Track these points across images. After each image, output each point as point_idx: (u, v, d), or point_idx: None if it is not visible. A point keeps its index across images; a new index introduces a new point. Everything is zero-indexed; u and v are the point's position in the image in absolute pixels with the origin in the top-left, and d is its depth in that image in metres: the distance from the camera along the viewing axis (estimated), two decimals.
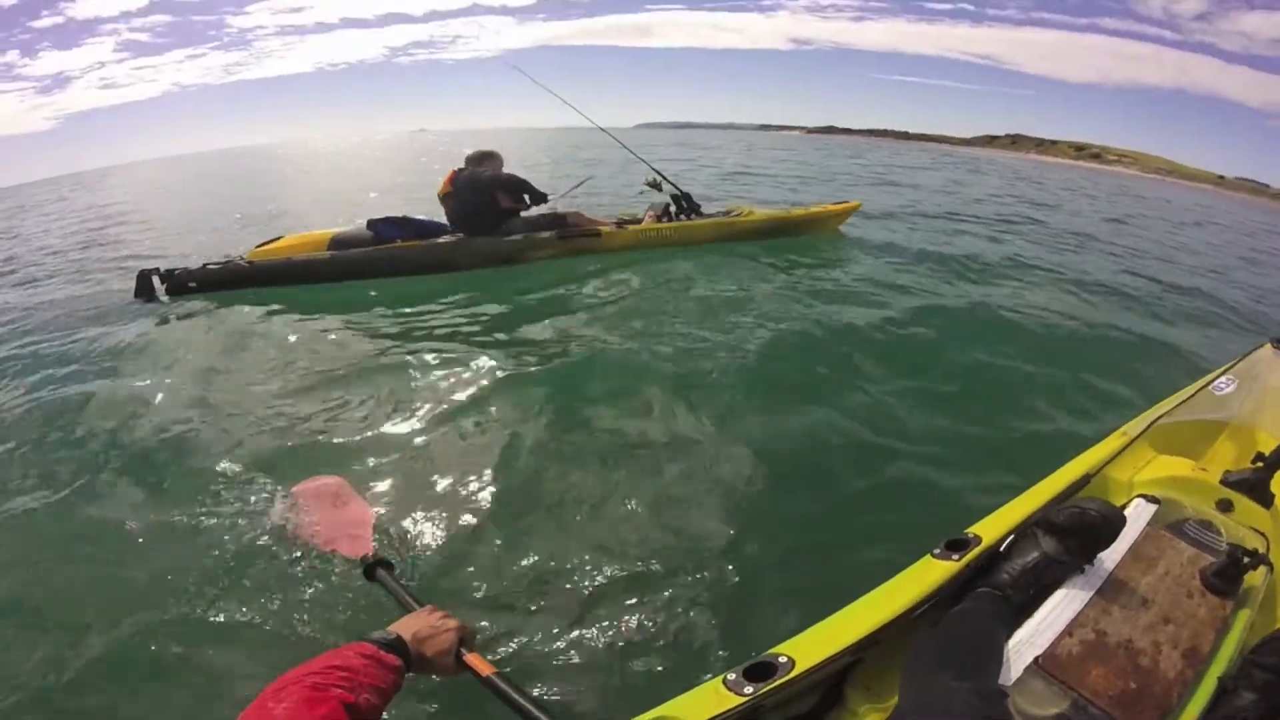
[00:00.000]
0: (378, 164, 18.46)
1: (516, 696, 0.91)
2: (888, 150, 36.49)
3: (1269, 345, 2.25)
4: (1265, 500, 1.42)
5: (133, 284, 3.85)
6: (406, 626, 0.92)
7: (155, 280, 3.85)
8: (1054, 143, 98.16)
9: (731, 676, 0.89)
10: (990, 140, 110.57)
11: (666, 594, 1.52)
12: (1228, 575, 1.13)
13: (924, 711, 0.86)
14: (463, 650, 0.96)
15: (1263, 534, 1.31)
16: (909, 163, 21.65)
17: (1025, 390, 2.74)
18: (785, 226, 5.47)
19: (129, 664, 1.37)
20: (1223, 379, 1.99)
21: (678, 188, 5.02)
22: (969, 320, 3.68)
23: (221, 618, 1.46)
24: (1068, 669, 0.98)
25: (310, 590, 1.53)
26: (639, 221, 4.82)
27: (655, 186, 4.94)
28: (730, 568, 1.61)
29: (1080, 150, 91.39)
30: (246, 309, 3.55)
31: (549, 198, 4.40)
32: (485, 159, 4.22)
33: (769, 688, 0.87)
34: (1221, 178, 74.66)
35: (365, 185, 11.43)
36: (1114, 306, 4.33)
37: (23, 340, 3.38)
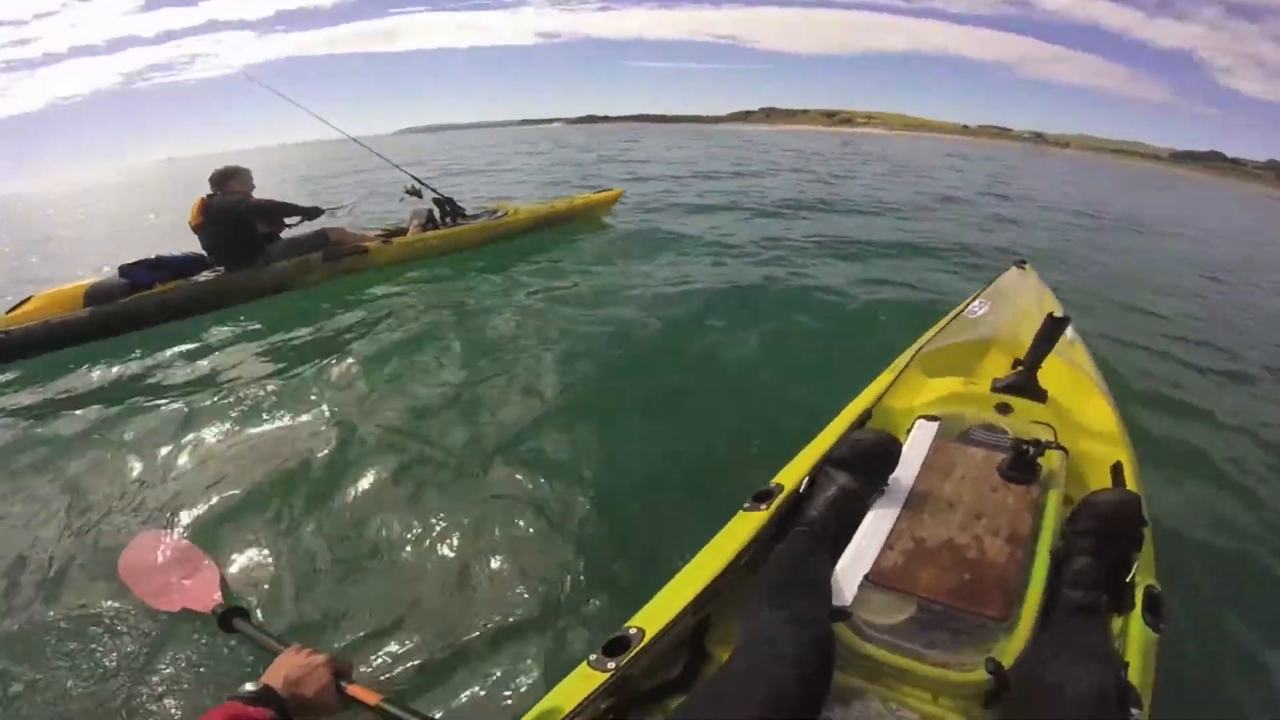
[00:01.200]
0: (126, 201, 16.12)
1: (411, 718, 0.92)
2: (645, 133, 37.28)
3: (1014, 267, 2.44)
4: (1039, 396, 1.56)
5: None
6: (275, 673, 0.91)
7: None
8: (805, 112, 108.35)
9: (594, 657, 0.93)
10: (746, 115, 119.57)
11: (520, 595, 1.57)
12: (1022, 465, 1.23)
13: (750, 647, 0.91)
14: (341, 683, 0.94)
15: (1048, 424, 1.42)
16: (673, 143, 22.74)
17: (804, 349, 3.01)
18: (552, 220, 5.72)
19: None
20: (975, 303, 2.12)
21: (438, 193, 5.04)
22: (750, 298, 3.91)
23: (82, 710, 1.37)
24: (898, 577, 1.05)
25: (167, 660, 1.45)
26: (405, 232, 4.84)
27: (415, 194, 4.92)
28: (570, 561, 1.67)
29: (830, 116, 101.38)
30: (17, 390, 3.15)
31: (322, 210, 4.28)
32: (229, 177, 3.97)
33: (628, 658, 0.92)
34: (966, 126, 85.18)
35: (117, 228, 10.07)
36: (876, 259, 4.95)
37: None
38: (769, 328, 3.28)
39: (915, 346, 1.88)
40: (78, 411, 2.80)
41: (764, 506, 1.21)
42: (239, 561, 1.76)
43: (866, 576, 1.05)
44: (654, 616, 0.99)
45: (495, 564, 1.69)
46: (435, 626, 1.50)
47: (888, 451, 1.25)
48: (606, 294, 4.03)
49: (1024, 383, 1.57)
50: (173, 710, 1.36)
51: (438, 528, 1.84)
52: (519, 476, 2.04)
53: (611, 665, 0.91)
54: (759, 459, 1.91)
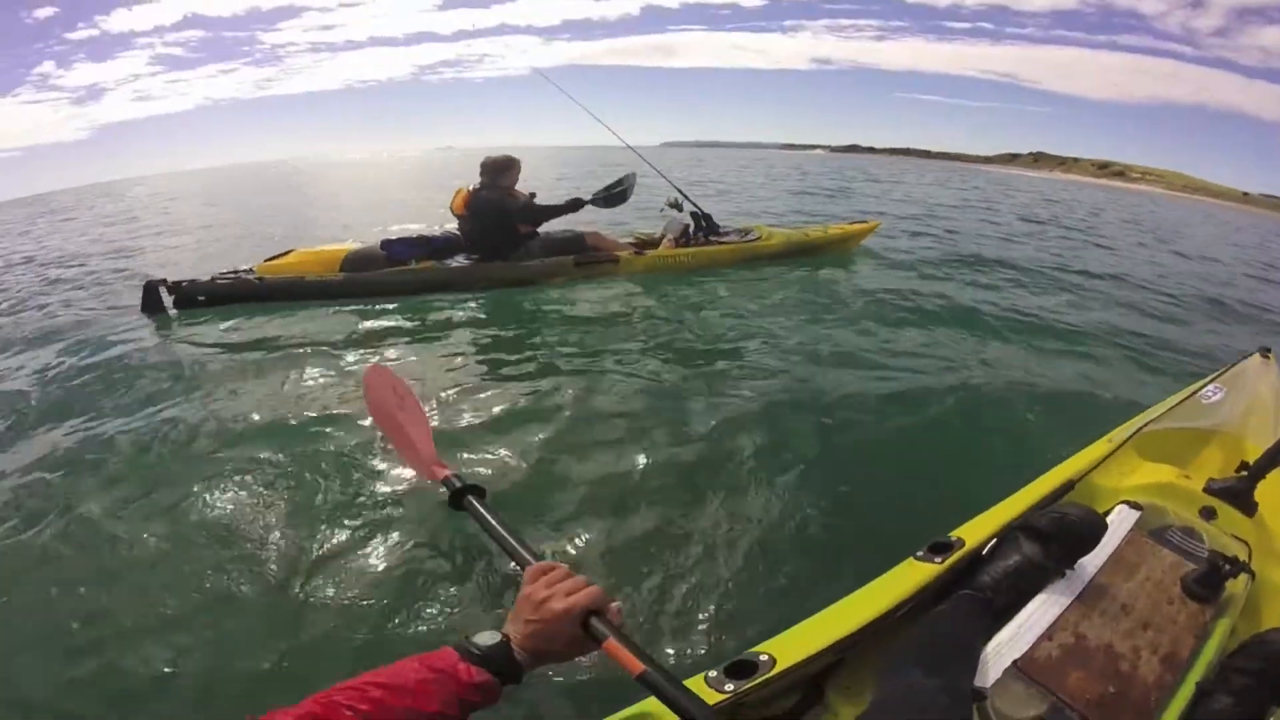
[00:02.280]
0: (404, 179, 18.76)
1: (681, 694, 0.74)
2: (913, 168, 36.79)
3: (1258, 355, 2.26)
4: (1248, 509, 1.43)
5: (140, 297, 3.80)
6: (520, 622, 0.76)
7: (163, 293, 3.80)
8: (1076, 160, 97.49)
9: (713, 674, 0.89)
10: (1012, 158, 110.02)
11: (651, 589, 1.53)
12: (1208, 582, 1.13)
13: (891, 707, 0.87)
14: (597, 625, 0.76)
15: (1245, 542, 1.32)
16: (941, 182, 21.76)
17: (1020, 397, 2.75)
18: (804, 248, 5.39)
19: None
20: (1210, 387, 1.99)
21: (699, 207, 4.95)
22: (971, 331, 3.71)
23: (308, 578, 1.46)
24: (1047, 672, 0.98)
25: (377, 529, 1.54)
26: (657, 243, 4.77)
27: (676, 206, 4.87)
28: (718, 566, 1.62)
29: (1103, 168, 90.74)
30: (261, 325, 3.48)
31: (584, 201, 4.27)
32: (502, 171, 4.08)
33: (749, 685, 0.88)
34: (1246, 194, 74.07)
35: (389, 200, 11.53)
36: (1117, 314, 4.46)
37: (33, 350, 3.36)
38: (973, 378, 2.99)
39: (1137, 422, 1.73)
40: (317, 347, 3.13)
41: (939, 560, 1.14)
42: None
43: (1015, 662, 0.98)
44: (789, 648, 0.94)
45: (638, 553, 1.65)
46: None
47: (1092, 533, 1.14)
48: (844, 316, 3.87)
49: (1241, 489, 1.42)
50: (365, 599, 1.39)
51: (604, 514, 1.82)
52: (698, 472, 2.04)
53: (730, 687, 0.86)
54: (932, 509, 1.72)
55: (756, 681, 0.88)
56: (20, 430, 2.43)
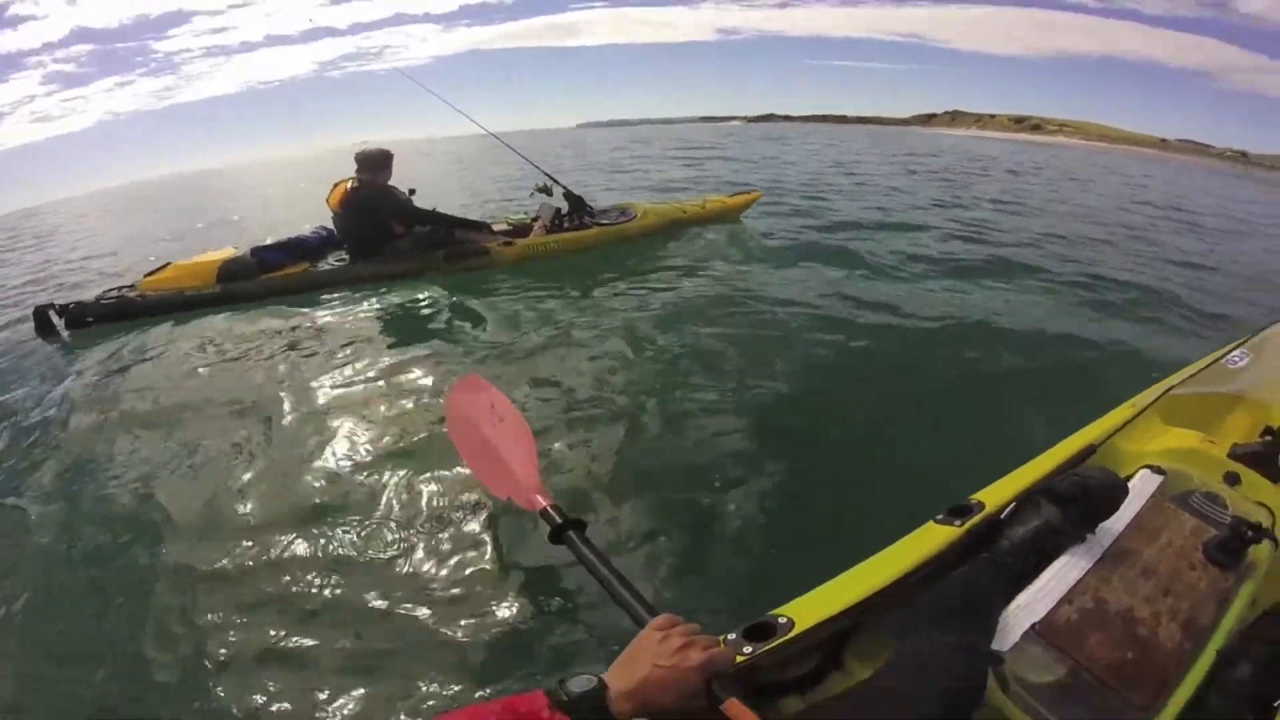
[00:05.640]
0: (313, 178, 18.30)
1: None
2: (827, 135, 36.68)
3: None
4: (1273, 475, 1.41)
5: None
6: (626, 671, 0.70)
7: (53, 315, 3.92)
8: (992, 116, 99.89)
9: (731, 636, 0.90)
10: (930, 118, 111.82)
11: (670, 553, 1.57)
12: (1230, 548, 1.12)
13: (907, 667, 0.87)
14: (718, 689, 0.71)
15: (1269, 508, 1.30)
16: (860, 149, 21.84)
17: (1037, 360, 2.81)
18: (682, 223, 5.51)
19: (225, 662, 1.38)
20: (1236, 353, 1.98)
21: (569, 190, 5.04)
22: (987, 288, 3.80)
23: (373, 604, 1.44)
24: (1066, 636, 0.98)
25: (468, 564, 1.47)
26: (528, 230, 4.90)
27: (546, 191, 4.96)
28: (736, 529, 1.67)
29: (1019, 122, 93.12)
30: (149, 341, 3.61)
31: (459, 225, 4.49)
32: (378, 164, 4.21)
33: (767, 647, 0.88)
34: (1164, 141, 75.95)
35: (297, 202, 11.45)
36: (1127, 281, 4.45)
37: None
38: (992, 340, 3.04)
39: (1162, 387, 1.73)
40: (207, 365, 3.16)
41: (958, 523, 1.14)
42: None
43: (1034, 626, 0.98)
44: (807, 610, 0.94)
45: (655, 517, 1.69)
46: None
47: (1112, 497, 1.15)
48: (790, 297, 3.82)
49: (1266, 455, 1.42)
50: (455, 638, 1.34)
51: (615, 475, 1.91)
52: (711, 436, 2.09)
53: (749, 650, 0.87)
54: (953, 472, 1.81)
55: (775, 644, 0.88)
56: None
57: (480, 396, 1.53)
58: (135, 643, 1.45)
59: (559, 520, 1.13)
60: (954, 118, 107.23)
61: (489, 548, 1.61)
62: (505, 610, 1.42)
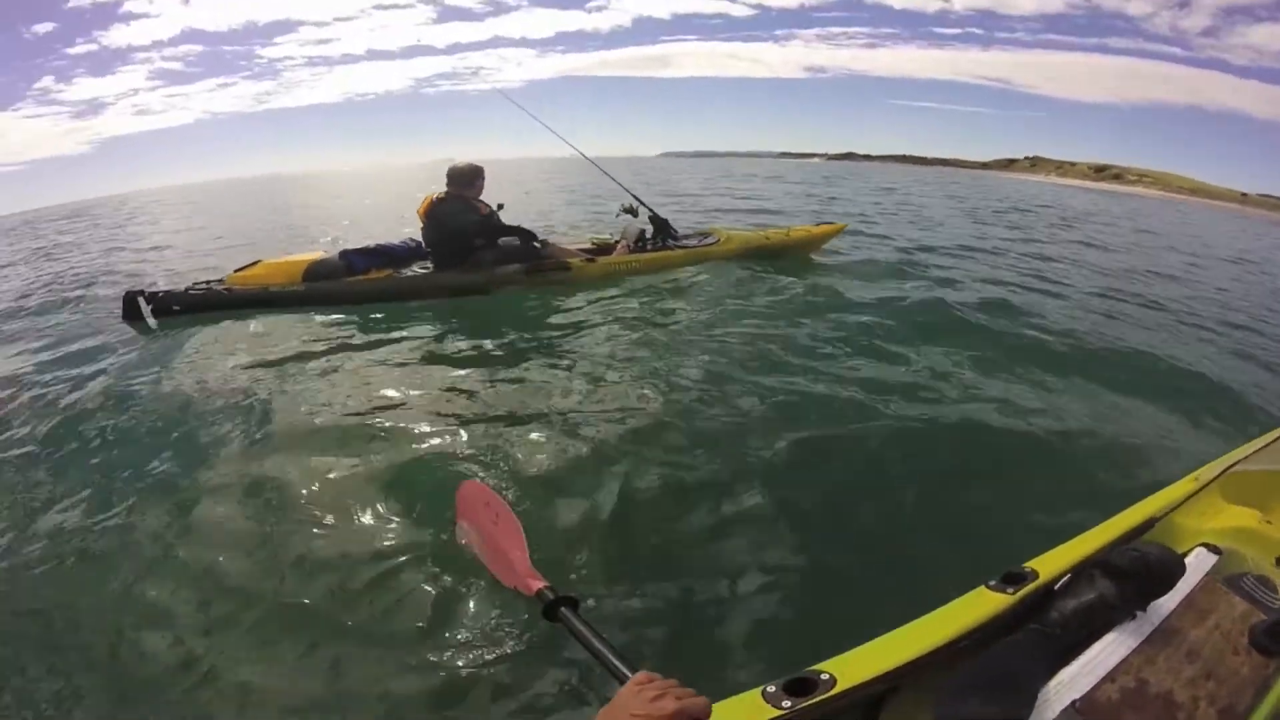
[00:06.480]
0: (401, 190, 18.89)
1: None
2: (909, 176, 36.13)
3: None
4: None
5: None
6: (615, 713, 0.74)
7: (141, 302, 4.01)
8: (1073, 164, 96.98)
9: (771, 689, 0.88)
10: (1009, 163, 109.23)
11: (715, 600, 1.56)
12: (1275, 635, 1.10)
13: None
14: None
15: None
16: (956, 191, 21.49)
17: (1099, 428, 2.67)
18: (764, 250, 5.40)
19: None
20: None
21: (655, 213, 5.02)
22: (1049, 352, 3.61)
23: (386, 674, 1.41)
24: (1104, 715, 0.96)
25: (477, 641, 1.47)
26: (611, 249, 4.85)
27: (631, 212, 4.95)
28: (783, 580, 1.63)
29: (1099, 171, 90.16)
30: (232, 333, 3.71)
31: (537, 238, 4.45)
32: (467, 180, 4.23)
33: (807, 704, 0.86)
34: (1244, 195, 72.75)
35: (380, 208, 11.76)
36: (1195, 346, 4.17)
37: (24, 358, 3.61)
38: (1055, 406, 2.87)
39: (1225, 462, 1.67)
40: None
41: (1011, 590, 1.11)
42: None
43: (1074, 703, 0.96)
44: (850, 667, 0.93)
45: (697, 565, 1.68)
46: (610, 599, 1.56)
47: (1170, 576, 1.12)
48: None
49: None
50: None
51: (662, 525, 1.87)
52: (757, 488, 2.03)
53: (788, 704, 0.86)
54: (1008, 536, 1.79)
55: (815, 700, 0.87)
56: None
57: (478, 499, 1.67)
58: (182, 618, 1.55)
59: (551, 598, 1.19)
60: (1034, 164, 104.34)
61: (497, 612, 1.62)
62: (500, 667, 1.47)
